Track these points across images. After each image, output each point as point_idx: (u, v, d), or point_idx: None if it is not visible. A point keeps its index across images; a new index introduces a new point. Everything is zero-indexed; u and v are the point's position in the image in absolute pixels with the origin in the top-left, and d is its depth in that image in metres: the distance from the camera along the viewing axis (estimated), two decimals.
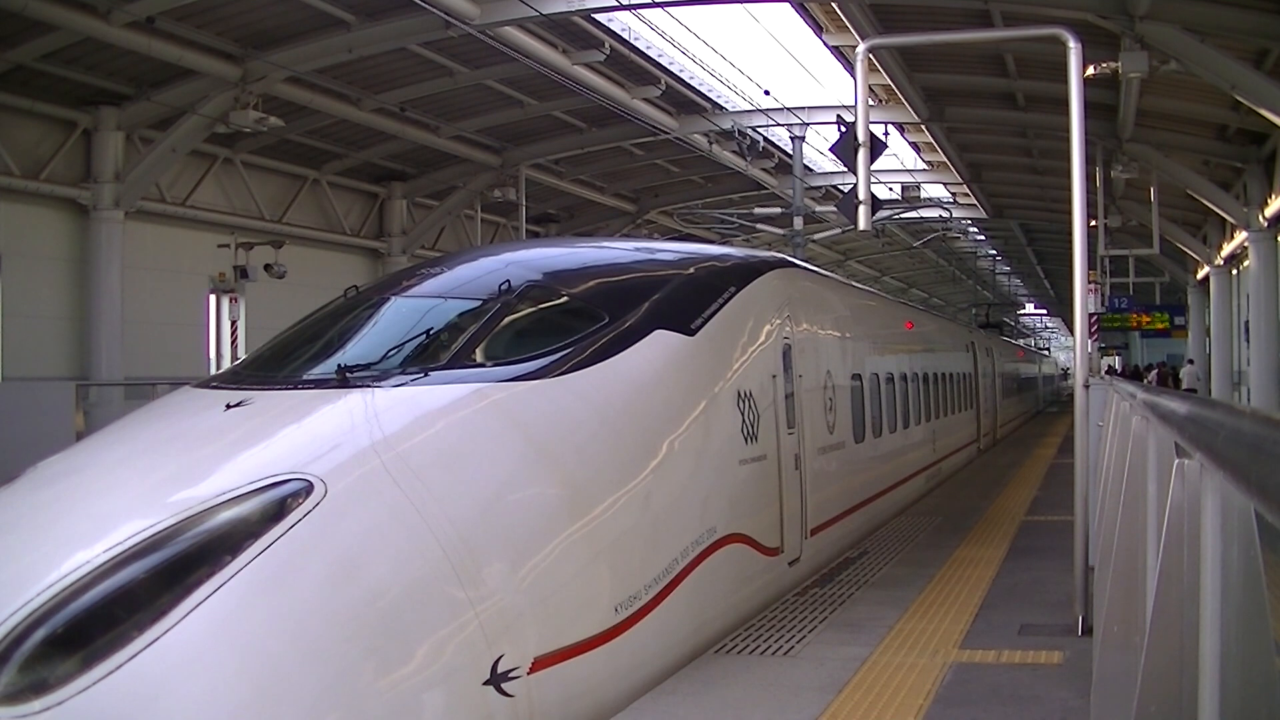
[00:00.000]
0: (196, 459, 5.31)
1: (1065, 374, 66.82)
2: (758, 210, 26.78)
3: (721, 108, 23.67)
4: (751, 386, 7.58)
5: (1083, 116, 7.52)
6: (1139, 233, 27.24)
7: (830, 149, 13.14)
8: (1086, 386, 7.66)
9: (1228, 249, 24.14)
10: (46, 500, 5.11)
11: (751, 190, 29.46)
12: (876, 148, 9.42)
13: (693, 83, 22.16)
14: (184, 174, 20.11)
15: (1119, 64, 13.80)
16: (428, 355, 6.19)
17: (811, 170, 28.46)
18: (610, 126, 23.25)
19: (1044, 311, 75.82)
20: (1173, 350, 42.67)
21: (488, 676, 4.68)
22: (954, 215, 33.66)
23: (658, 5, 17.36)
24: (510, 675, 4.76)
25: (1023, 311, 71.69)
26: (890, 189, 31.20)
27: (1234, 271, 25.45)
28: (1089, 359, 9.94)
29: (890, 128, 23.61)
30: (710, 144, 24.70)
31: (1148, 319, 30.47)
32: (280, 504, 4.67)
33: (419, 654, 4.55)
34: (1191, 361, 32.26)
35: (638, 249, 9.05)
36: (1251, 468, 1.42)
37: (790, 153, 24.92)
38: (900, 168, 29.89)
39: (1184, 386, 28.70)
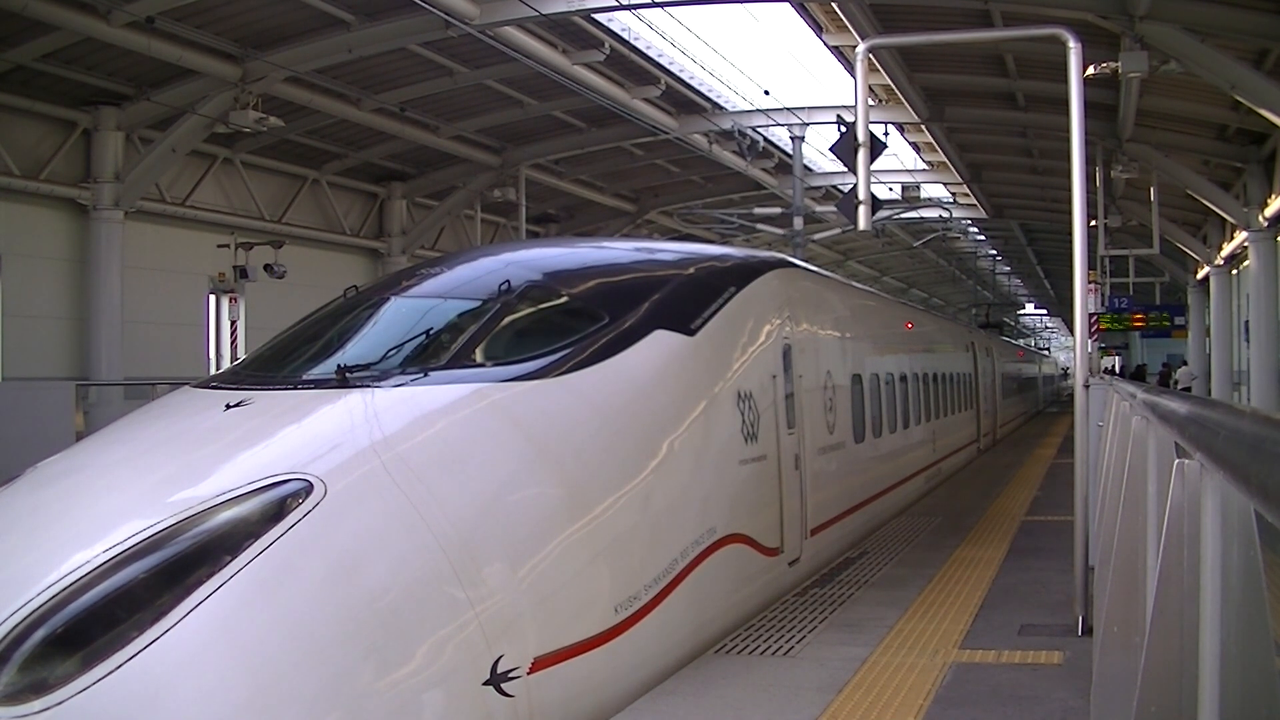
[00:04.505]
0: (196, 459, 5.31)
1: (1065, 374, 66.85)
2: (758, 210, 26.80)
3: (721, 108, 23.67)
4: (751, 387, 7.57)
5: (1083, 116, 7.52)
6: (1139, 233, 27.24)
7: (830, 149, 13.12)
8: (1086, 386, 7.66)
9: (1228, 249, 24.13)
10: (46, 500, 5.11)
11: (751, 190, 29.46)
12: (876, 148, 9.41)
13: (693, 83, 22.17)
14: (184, 174, 20.12)
15: (1119, 64, 13.80)
16: (427, 355, 6.18)
17: (811, 170, 28.47)
18: (610, 126, 23.25)
19: (1044, 311, 75.82)
20: (1173, 350, 42.64)
21: (487, 677, 4.68)
22: (954, 215, 33.67)
23: (658, 5, 17.36)
24: (510, 675, 4.76)
25: (1023, 311, 71.72)
26: (890, 189, 31.21)
27: (1234, 271, 25.44)
28: (1089, 359, 9.93)
29: (890, 128, 23.60)
30: (710, 144, 24.71)
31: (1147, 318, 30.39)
32: (280, 504, 4.67)
33: (419, 654, 4.55)
34: (1185, 362, 32.26)
35: (638, 249, 9.04)
36: (1251, 468, 1.42)
37: (790, 153, 24.93)
38: (900, 168, 29.90)
39: (1179, 386, 28.74)
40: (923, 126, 23.26)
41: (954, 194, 33.07)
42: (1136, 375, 39.32)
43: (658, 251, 8.98)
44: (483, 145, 23.95)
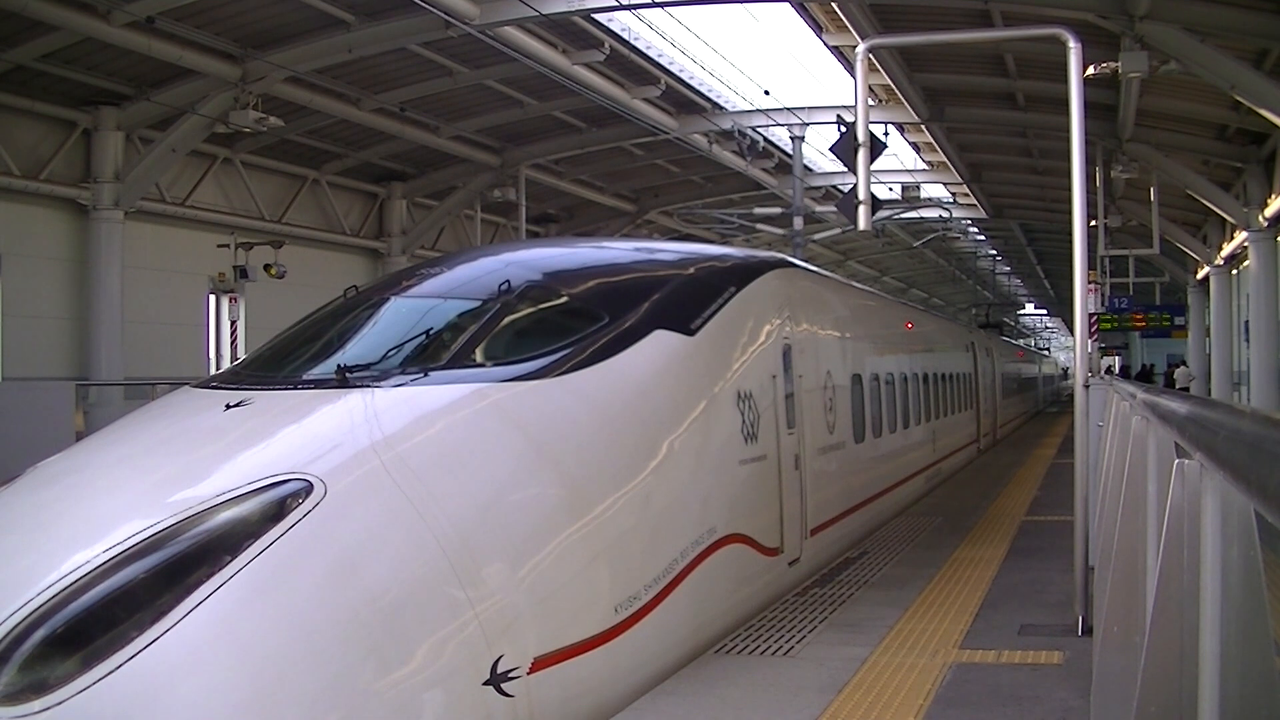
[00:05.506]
0: (196, 459, 5.31)
1: (1065, 374, 66.85)
2: (758, 210, 26.80)
3: (721, 108, 23.66)
4: (751, 386, 7.57)
5: (1083, 116, 7.52)
6: (1139, 233, 27.24)
7: (830, 149, 13.12)
8: (1086, 386, 7.66)
9: (1228, 249, 24.14)
10: (46, 500, 5.11)
11: (751, 190, 29.46)
12: (876, 148, 9.42)
13: (693, 83, 22.16)
14: (184, 174, 20.12)
15: (1119, 64, 13.80)
16: (427, 355, 6.18)
17: (811, 170, 28.46)
18: (610, 126, 23.25)
19: (1044, 311, 75.81)
20: (1173, 350, 42.65)
21: (487, 677, 4.68)
22: (954, 215, 33.67)
23: (658, 5, 17.36)
24: (510, 675, 4.76)
25: (1023, 311, 71.72)
26: (890, 189, 31.21)
27: (1234, 271, 25.44)
28: (1089, 359, 9.93)
29: (890, 128, 23.60)
30: (710, 144, 24.71)
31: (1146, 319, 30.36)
32: (280, 504, 4.67)
33: (419, 654, 4.55)
34: (1185, 363, 32.25)
35: (637, 249, 9.04)
36: (1251, 468, 1.41)
37: (790, 153, 24.93)
38: (900, 168, 29.90)
39: (1177, 387, 28.74)
40: (923, 126, 23.26)
41: (954, 194, 33.07)
42: (1142, 376, 39.23)
43: (657, 251, 8.99)
44: (483, 145, 23.95)
